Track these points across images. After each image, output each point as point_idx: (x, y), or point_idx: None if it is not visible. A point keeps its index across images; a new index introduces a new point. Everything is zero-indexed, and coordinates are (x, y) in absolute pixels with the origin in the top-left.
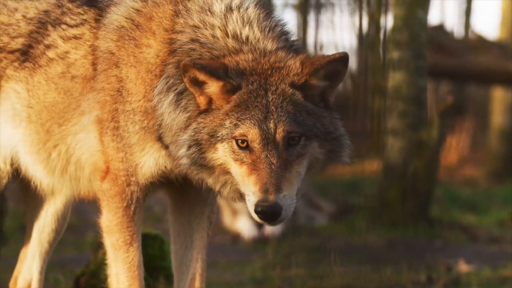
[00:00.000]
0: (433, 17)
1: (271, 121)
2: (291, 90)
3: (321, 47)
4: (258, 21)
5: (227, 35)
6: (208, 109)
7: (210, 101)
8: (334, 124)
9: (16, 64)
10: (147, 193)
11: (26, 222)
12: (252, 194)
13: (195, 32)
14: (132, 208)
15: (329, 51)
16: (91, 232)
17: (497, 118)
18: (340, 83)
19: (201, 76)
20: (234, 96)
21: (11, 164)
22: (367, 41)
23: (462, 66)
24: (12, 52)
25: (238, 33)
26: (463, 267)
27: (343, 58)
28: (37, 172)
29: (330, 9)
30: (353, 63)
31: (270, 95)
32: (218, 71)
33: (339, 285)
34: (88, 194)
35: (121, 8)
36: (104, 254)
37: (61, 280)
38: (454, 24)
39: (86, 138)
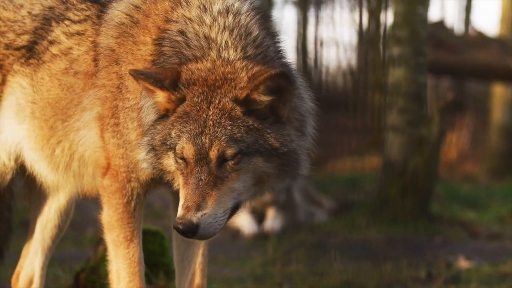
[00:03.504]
0: (433, 14)
1: (207, 137)
2: (231, 104)
3: (321, 44)
4: (238, 28)
5: (206, 36)
6: (165, 116)
7: (166, 108)
8: (281, 140)
9: (22, 60)
10: (147, 189)
11: (29, 218)
12: (179, 207)
13: (187, 24)
14: (133, 204)
15: (330, 47)
16: (91, 228)
17: (497, 114)
18: (289, 97)
19: (148, 86)
20: (179, 108)
21: (15, 160)
22: (367, 38)
23: (462, 62)
24: (18, 49)
25: (215, 37)
26: (463, 263)
27: (278, 74)
28: (41, 168)
29: (330, 5)
30: (353, 59)
31: (211, 109)
32: (163, 81)
33: (339, 281)
34: (92, 191)
35: (121, 4)
36: (104, 250)
37: (61, 276)
38: (454, 21)
39: (88, 134)
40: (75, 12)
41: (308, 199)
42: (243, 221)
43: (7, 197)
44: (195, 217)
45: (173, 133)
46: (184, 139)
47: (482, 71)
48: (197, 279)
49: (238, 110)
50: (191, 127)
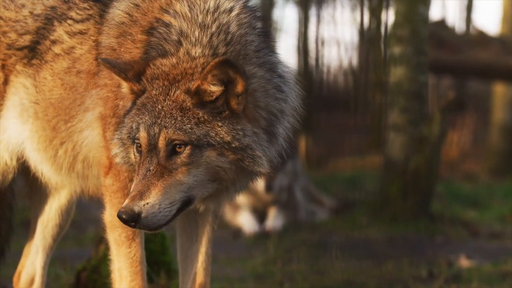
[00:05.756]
0: (434, 13)
1: (157, 127)
2: (183, 96)
3: (322, 43)
4: (216, 27)
5: (184, 32)
6: (131, 108)
7: (130, 98)
8: (232, 133)
9: (25, 60)
10: None
11: (30, 217)
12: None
13: (175, 17)
14: None
15: (331, 46)
16: (92, 227)
17: (498, 113)
18: (240, 89)
19: (113, 75)
20: (138, 100)
21: (18, 160)
22: (368, 37)
23: (463, 61)
24: (20, 49)
25: (190, 34)
26: (464, 262)
27: (222, 62)
28: (44, 170)
29: (331, 5)
30: (354, 58)
31: (166, 100)
32: (127, 72)
33: (340, 280)
34: (97, 192)
35: (122, 3)
36: (105, 249)
37: (62, 275)
38: (455, 20)
39: (91, 135)
40: (78, 11)
41: (309, 198)
42: (245, 220)
43: (8, 196)
44: (137, 206)
45: (133, 126)
46: (141, 129)
47: (483, 70)
48: (200, 278)
49: (189, 102)
50: (146, 117)
